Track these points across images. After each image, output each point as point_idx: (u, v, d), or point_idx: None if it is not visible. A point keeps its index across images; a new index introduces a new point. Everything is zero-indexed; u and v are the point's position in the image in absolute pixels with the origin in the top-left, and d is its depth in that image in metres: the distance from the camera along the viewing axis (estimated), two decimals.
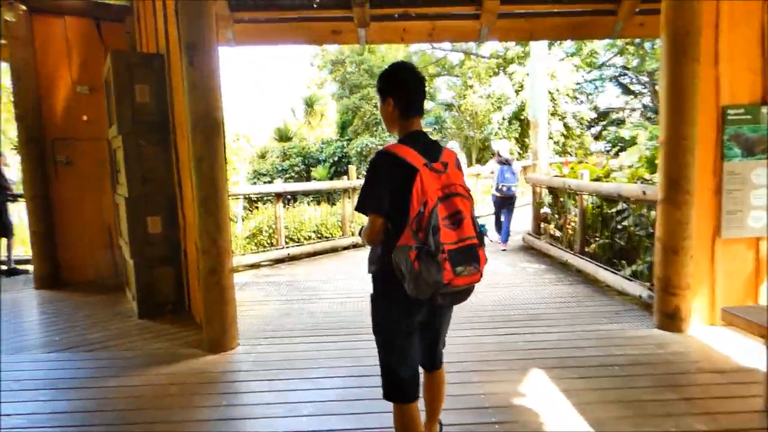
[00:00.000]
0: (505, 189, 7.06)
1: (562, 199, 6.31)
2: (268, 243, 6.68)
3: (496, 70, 13.66)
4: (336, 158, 17.06)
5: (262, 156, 19.05)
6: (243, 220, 7.03)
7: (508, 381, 2.96)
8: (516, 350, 3.43)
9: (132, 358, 3.43)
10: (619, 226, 5.18)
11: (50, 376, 3.16)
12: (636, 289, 4.31)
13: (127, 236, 4.30)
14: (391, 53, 20.75)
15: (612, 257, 5.23)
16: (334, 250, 7.31)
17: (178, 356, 3.43)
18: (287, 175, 17.28)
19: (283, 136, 19.67)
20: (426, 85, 1.87)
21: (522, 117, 12.14)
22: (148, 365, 3.28)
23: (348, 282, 5.55)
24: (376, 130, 15.75)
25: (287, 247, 6.75)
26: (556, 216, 6.52)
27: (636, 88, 18.08)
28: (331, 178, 16.59)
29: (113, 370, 3.23)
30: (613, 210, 5.02)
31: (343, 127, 18.22)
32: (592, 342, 3.51)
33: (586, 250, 5.59)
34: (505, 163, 7.04)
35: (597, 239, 5.49)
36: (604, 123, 18.54)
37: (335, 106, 18.37)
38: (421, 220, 1.56)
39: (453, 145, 9.44)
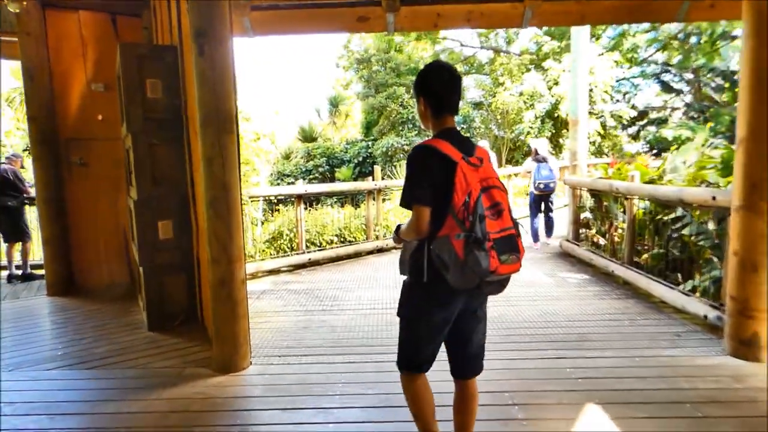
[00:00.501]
0: (542, 186, 6.99)
1: (606, 203, 5.76)
2: (288, 247, 6.36)
3: (529, 66, 13.04)
4: (360, 159, 16.74)
5: (287, 157, 18.91)
6: (263, 223, 6.74)
7: (559, 419, 2.51)
8: (564, 378, 2.96)
9: (134, 378, 3.12)
10: (675, 235, 4.62)
11: (44, 398, 2.87)
12: (698, 307, 3.78)
13: (137, 242, 4.02)
14: (417, 52, 20.33)
15: (665, 269, 4.68)
16: (357, 254, 6.95)
17: (183, 377, 3.10)
18: (311, 176, 17.06)
19: (308, 137, 19.49)
20: (460, 81, 1.88)
21: (556, 115, 11.53)
22: (150, 387, 2.96)
23: (372, 291, 5.16)
24: (402, 130, 15.33)
25: (308, 252, 6.41)
26: (599, 222, 5.98)
27: (678, 86, 17.11)
28: (355, 179, 16.27)
29: (112, 392, 2.93)
30: (670, 216, 4.47)
31: (368, 127, 17.88)
32: (654, 371, 3.02)
33: (635, 260, 5.05)
34: (542, 160, 7.01)
35: (648, 249, 4.94)
36: (642, 123, 17.64)
37: (360, 105, 18.05)
38: (468, 208, 1.61)
39: (483, 144, 8.97)
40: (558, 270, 5.90)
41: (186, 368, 3.26)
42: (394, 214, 7.90)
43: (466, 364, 1.93)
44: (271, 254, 6.24)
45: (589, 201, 6.31)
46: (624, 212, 5.33)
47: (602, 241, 5.77)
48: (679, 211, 4.36)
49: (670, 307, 4.20)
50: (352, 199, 8.44)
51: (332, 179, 16.89)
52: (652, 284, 4.45)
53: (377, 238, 7.23)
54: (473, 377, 1.94)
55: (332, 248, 6.69)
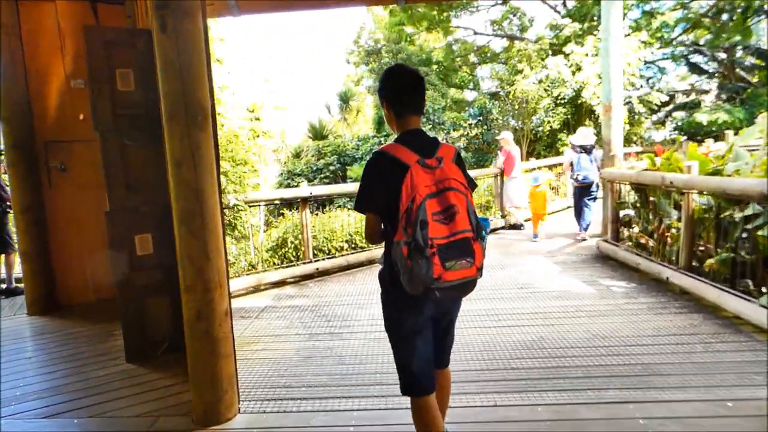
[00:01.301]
0: (580, 177, 6.77)
1: (653, 198, 5.02)
2: (294, 256, 5.75)
3: (549, 51, 12.19)
4: None
5: (297, 155, 18.36)
6: (266, 230, 6.17)
7: None
8: None
9: None
10: (744, 235, 3.88)
11: None
12: None
13: (109, 259, 3.44)
14: (428, 43, 19.57)
15: (732, 276, 3.95)
16: (371, 262, 6.31)
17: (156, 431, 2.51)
18: (322, 175, 16.47)
19: (318, 134, 18.91)
20: (424, 84, 1.87)
21: (579, 102, 10.70)
22: None
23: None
24: None
25: (316, 261, 5.80)
26: (644, 220, 5.24)
27: (707, 67, 16.04)
28: None
29: None
30: (742, 214, 3.73)
31: (379, 123, 17.20)
32: (758, 423, 2.32)
33: (694, 265, 4.32)
34: (584, 150, 6.73)
35: (708, 251, 4.20)
36: (668, 108, 16.61)
37: (371, 100, 17.40)
38: (410, 215, 1.60)
39: (507, 136, 8.23)
40: (598, 276, 5.18)
41: (161, 417, 2.67)
42: None
43: (444, 354, 2.03)
44: (274, 264, 5.64)
45: (630, 196, 5.57)
46: (677, 209, 4.59)
47: (650, 243, 5.02)
48: (755, 207, 3.61)
49: (750, 325, 3.47)
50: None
51: (344, 178, 16.26)
52: (723, 295, 3.72)
53: None
54: (445, 367, 2.06)
55: (342, 256, 6.07)
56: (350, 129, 22.43)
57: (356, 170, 15.75)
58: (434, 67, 17.30)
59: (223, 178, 4.49)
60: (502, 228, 8.23)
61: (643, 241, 4.95)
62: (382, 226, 1.80)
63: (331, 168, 16.47)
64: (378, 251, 6.38)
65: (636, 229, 5.60)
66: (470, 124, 15.32)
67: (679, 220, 4.49)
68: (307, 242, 5.71)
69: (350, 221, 6.56)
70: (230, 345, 2.65)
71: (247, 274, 5.23)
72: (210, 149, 2.51)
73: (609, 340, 3.46)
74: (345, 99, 20.50)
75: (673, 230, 4.63)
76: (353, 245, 6.34)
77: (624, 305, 4.21)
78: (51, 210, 4.82)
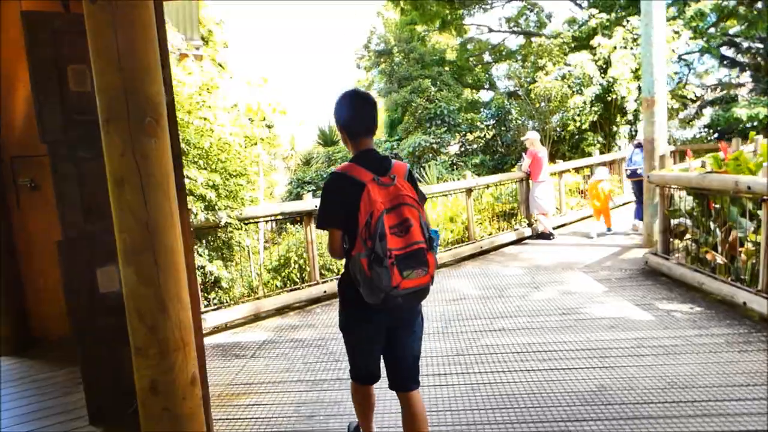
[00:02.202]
0: (629, 172, 7.19)
1: (717, 206, 4.25)
2: (298, 277, 5.10)
3: (572, 45, 11.39)
4: None
5: (307, 162, 17.81)
6: (267, 247, 5.55)
7: None
8: None
9: None
10: None
11: None
12: None
13: (65, 297, 2.82)
14: (440, 43, 18.91)
15: None
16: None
17: None
18: None
19: (328, 140, 18.34)
20: (375, 106, 2.00)
21: (609, 98, 9.88)
22: None
23: None
24: (429, 127, 13.91)
25: (324, 282, 5.13)
26: (705, 231, 4.46)
27: (740, 59, 15.04)
28: None
29: None
30: None
31: (392, 126, 16.57)
32: None
33: None
34: (639, 145, 6.85)
35: None
36: (698, 104, 15.65)
37: (383, 103, 16.78)
38: (369, 228, 1.72)
39: (534, 136, 7.50)
40: (653, 298, 4.42)
41: None
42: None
43: (400, 376, 2.01)
44: (276, 287, 5.00)
45: (686, 202, 4.80)
46: (751, 219, 3.83)
47: (716, 258, 4.24)
48: None
49: None
50: None
51: None
52: None
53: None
54: (412, 390, 2.00)
55: None
56: None
57: None
58: (448, 67, 16.61)
59: (212, 194, 3.86)
60: (529, 238, 7.48)
61: (712, 258, 4.16)
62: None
63: None
64: None
65: (691, 240, 4.82)
66: (487, 126, 14.58)
67: (755, 232, 3.73)
68: (313, 261, 5.05)
69: None
70: (201, 421, 1.98)
71: (245, 302, 4.59)
72: (164, 162, 1.85)
73: (691, 392, 2.72)
74: None
75: (748, 244, 3.86)
76: None
77: (695, 338, 3.45)
78: (21, 233, 4.25)
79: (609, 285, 4.93)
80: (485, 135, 14.38)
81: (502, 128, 14.09)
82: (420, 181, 10.71)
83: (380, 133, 19.94)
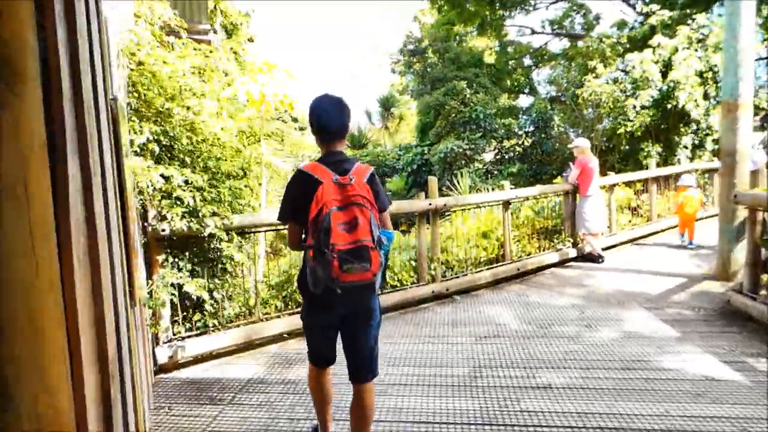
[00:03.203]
0: None
1: None
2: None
3: (628, 46, 10.29)
4: (415, 167, 14.62)
5: None
6: (272, 258, 4.86)
7: None
8: None
9: None
10: None
11: None
12: None
13: None
14: (479, 43, 17.99)
15: None
16: (405, 305, 4.83)
17: None
18: None
19: (357, 143, 17.68)
20: (345, 111, 2.16)
21: (670, 105, 8.76)
22: None
23: (433, 394, 3.01)
24: (463, 132, 13.02)
25: None
26: None
27: None
28: (408, 190, 14.22)
29: None
30: None
31: (423, 131, 15.75)
32: None
33: None
34: None
35: None
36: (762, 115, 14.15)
37: (415, 106, 16.01)
38: (317, 223, 1.89)
39: (583, 144, 6.55)
40: (744, 352, 3.44)
41: None
42: (456, 242, 5.71)
43: (355, 369, 2.17)
44: (276, 309, 4.26)
45: None
46: None
47: None
48: None
49: None
50: (396, 223, 6.33)
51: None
52: None
53: (433, 279, 5.07)
54: (364, 383, 2.16)
55: None
56: (391, 138, 21.13)
57: (396, 182, 14.36)
58: (485, 69, 15.68)
59: (191, 197, 3.15)
60: (574, 259, 6.51)
61: None
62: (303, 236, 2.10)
63: None
64: (416, 290, 4.90)
65: None
66: (526, 132, 13.57)
67: None
68: None
69: None
70: None
71: (236, 326, 3.87)
72: (25, 152, 1.12)
73: None
74: (387, 105, 19.21)
75: None
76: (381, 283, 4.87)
77: None
78: None
79: (681, 329, 3.96)
80: (523, 142, 13.37)
81: (542, 135, 13.05)
82: (451, 190, 9.83)
83: (410, 138, 19.16)
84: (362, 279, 1.87)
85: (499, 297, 5.13)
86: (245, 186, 4.04)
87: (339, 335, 2.19)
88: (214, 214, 3.45)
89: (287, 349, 3.90)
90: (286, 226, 2.21)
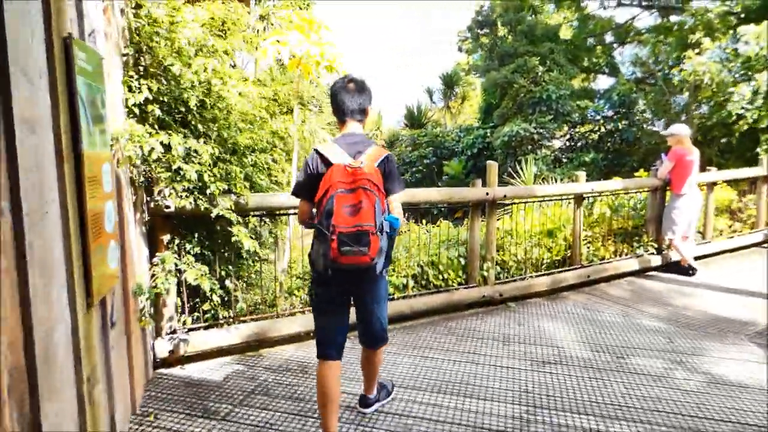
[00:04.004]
0: None
1: None
2: None
3: (742, 16, 8.62)
4: (475, 150, 13.63)
5: (391, 144, 16.55)
6: (292, 248, 4.33)
7: None
8: None
9: None
10: None
11: None
12: None
13: None
14: (556, 14, 16.40)
15: None
16: (449, 309, 4.15)
17: None
18: (414, 169, 14.47)
19: (416, 122, 16.87)
20: (363, 91, 2.21)
21: None
22: None
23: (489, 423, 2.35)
24: (532, 114, 11.84)
25: None
26: None
27: None
28: (467, 175, 13.30)
29: None
30: None
31: (487, 111, 14.65)
32: None
33: None
34: None
35: None
36: None
37: (480, 85, 14.90)
38: (321, 204, 1.96)
39: (682, 131, 5.43)
40: None
41: None
42: (515, 239, 4.91)
43: (366, 338, 2.33)
44: (300, 303, 3.74)
45: None
46: None
47: None
48: None
49: None
50: (449, 212, 5.57)
51: (440, 174, 14.08)
52: None
53: (485, 281, 4.34)
54: (375, 349, 2.36)
55: (405, 298, 3.97)
56: (453, 119, 20.07)
57: (453, 166, 13.48)
58: (562, 44, 14.20)
59: (194, 171, 2.64)
60: (657, 269, 5.50)
61: None
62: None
63: (426, 162, 14.40)
64: (463, 293, 4.20)
65: None
66: (604, 117, 12.16)
67: None
68: None
69: (424, 240, 4.44)
70: None
71: (251, 320, 3.38)
72: None
73: None
74: (449, 83, 18.13)
75: None
76: (423, 281, 4.21)
77: None
78: None
79: None
80: (600, 128, 11.99)
81: (624, 121, 11.62)
82: (513, 178, 8.87)
83: (473, 120, 18.06)
84: (359, 263, 1.92)
85: (563, 309, 4.31)
86: (273, 161, 3.50)
87: (344, 322, 2.24)
88: (228, 191, 2.93)
89: (302, 353, 3.36)
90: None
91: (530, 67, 12.00)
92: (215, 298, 3.05)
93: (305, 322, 3.51)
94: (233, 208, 2.95)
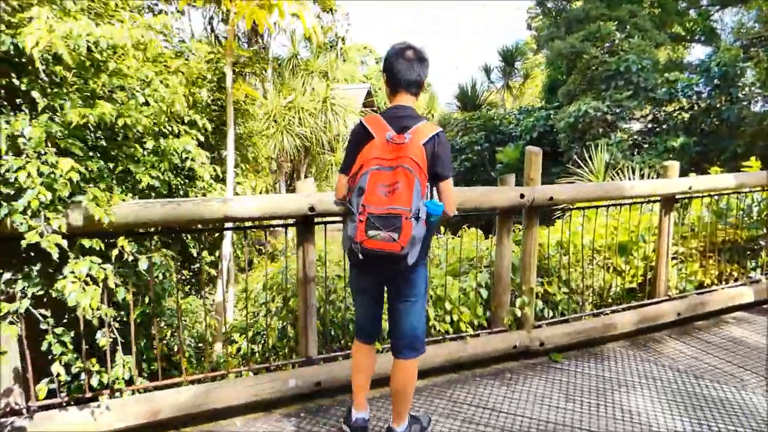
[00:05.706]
0: None
1: None
2: (284, 348, 2.63)
3: None
4: (535, 134, 11.84)
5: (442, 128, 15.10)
6: (238, 279, 3.22)
7: None
8: None
9: None
10: None
11: None
12: None
13: None
14: None
15: None
16: (457, 367, 2.84)
17: None
18: (464, 156, 12.96)
19: (469, 103, 15.23)
20: (422, 62, 1.95)
21: None
22: None
23: None
24: (605, 90, 9.90)
25: (325, 361, 2.58)
26: None
27: None
28: (524, 163, 11.59)
29: None
30: None
31: (551, 90, 12.74)
32: None
33: None
34: None
35: None
36: None
37: (544, 58, 12.97)
38: (354, 180, 1.84)
39: None
40: None
41: None
42: (568, 255, 3.45)
43: (394, 341, 2.07)
44: (253, 357, 2.62)
45: None
46: None
47: None
48: None
49: None
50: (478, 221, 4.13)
51: (492, 162, 12.46)
52: None
53: (519, 323, 2.98)
54: (400, 358, 2.04)
55: (382, 351, 2.70)
56: (515, 101, 18.11)
57: (509, 153, 11.84)
58: (647, 6, 11.94)
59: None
60: (766, 302, 3.81)
61: None
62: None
63: (477, 148, 12.82)
64: (481, 342, 2.87)
65: None
66: (698, 93, 9.97)
67: None
68: (306, 320, 2.50)
69: (435, 261, 3.13)
70: None
71: (139, 391, 2.29)
72: None
73: None
74: (509, 59, 16.20)
75: None
76: (439, 318, 2.91)
77: None
78: None
79: None
80: (693, 106, 9.81)
81: (724, 98, 9.40)
82: (581, 168, 7.16)
83: (536, 101, 16.08)
84: (387, 249, 1.75)
85: (651, 371, 2.86)
86: (187, 151, 2.37)
87: (375, 313, 2.11)
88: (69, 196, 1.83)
89: None
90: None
91: (605, 34, 9.99)
92: (65, 359, 1.97)
93: (254, 388, 2.37)
94: (81, 229, 1.84)
